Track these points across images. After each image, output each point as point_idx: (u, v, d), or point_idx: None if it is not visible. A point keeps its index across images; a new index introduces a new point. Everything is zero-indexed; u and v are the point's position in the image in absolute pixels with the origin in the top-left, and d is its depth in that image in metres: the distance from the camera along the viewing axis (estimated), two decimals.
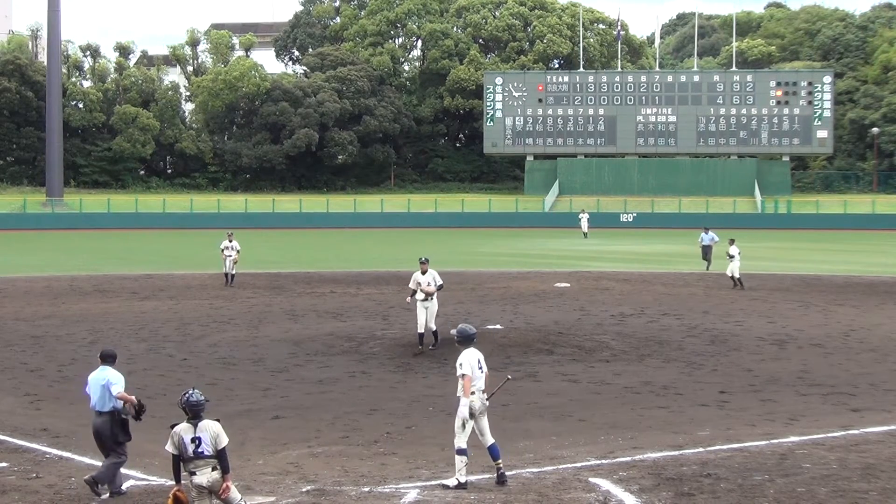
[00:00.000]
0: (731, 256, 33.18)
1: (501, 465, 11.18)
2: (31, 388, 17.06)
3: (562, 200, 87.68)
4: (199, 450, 9.33)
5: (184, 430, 9.40)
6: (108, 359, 11.39)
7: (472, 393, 11.16)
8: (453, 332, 11.99)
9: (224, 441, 9.45)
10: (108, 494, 10.88)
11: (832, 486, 10.88)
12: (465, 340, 11.56)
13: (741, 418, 14.51)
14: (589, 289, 32.45)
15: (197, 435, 9.35)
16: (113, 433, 11.06)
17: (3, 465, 12.16)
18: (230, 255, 33.45)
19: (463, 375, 11.15)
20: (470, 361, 11.27)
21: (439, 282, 20.55)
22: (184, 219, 79.13)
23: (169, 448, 9.47)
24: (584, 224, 65.43)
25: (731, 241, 33.81)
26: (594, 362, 19.28)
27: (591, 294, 31.01)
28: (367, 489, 11.01)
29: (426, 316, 20.24)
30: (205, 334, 23.00)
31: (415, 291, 20.56)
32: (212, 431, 9.39)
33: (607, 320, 24.92)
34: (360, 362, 19.48)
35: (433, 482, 11.24)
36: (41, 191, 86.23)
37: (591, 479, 11.24)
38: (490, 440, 11.25)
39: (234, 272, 33.64)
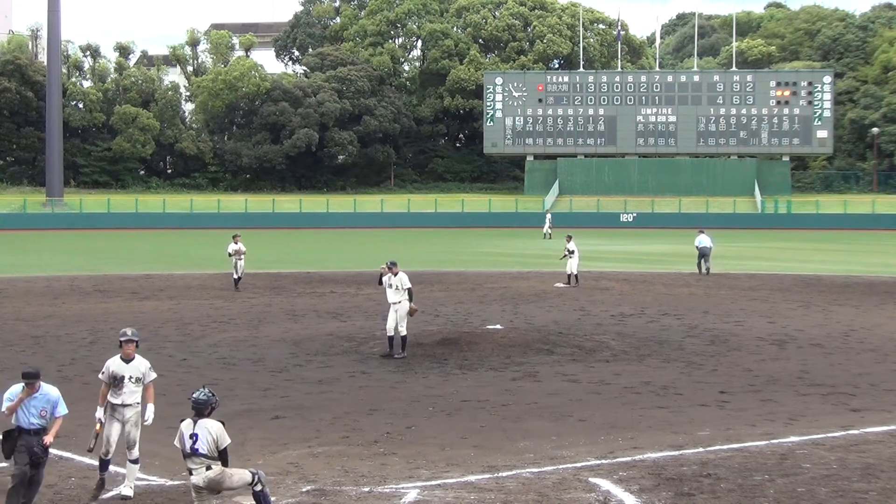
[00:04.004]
0: (571, 252, 33.12)
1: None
2: None
3: (562, 200, 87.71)
4: (195, 446, 9.41)
5: (185, 425, 9.54)
6: (35, 377, 10.37)
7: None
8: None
9: (225, 442, 9.51)
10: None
11: (832, 486, 10.88)
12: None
13: (741, 418, 14.50)
14: (589, 289, 32.47)
15: (195, 431, 9.44)
16: (43, 445, 10.34)
17: (3, 465, 12.14)
18: (240, 260, 32.41)
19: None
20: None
21: (407, 285, 19.77)
22: (184, 219, 79.17)
23: (175, 441, 9.66)
24: (546, 225, 65.26)
25: (569, 238, 33.75)
26: (594, 362, 19.27)
27: (591, 294, 31.02)
28: (367, 489, 11.01)
29: (396, 318, 19.59)
30: (205, 334, 22.99)
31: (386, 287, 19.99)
32: (209, 431, 9.43)
33: (607, 320, 24.93)
34: (360, 362, 19.47)
35: (433, 482, 11.24)
36: (41, 191, 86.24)
37: (591, 479, 11.24)
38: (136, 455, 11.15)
39: (241, 275, 32.70)
